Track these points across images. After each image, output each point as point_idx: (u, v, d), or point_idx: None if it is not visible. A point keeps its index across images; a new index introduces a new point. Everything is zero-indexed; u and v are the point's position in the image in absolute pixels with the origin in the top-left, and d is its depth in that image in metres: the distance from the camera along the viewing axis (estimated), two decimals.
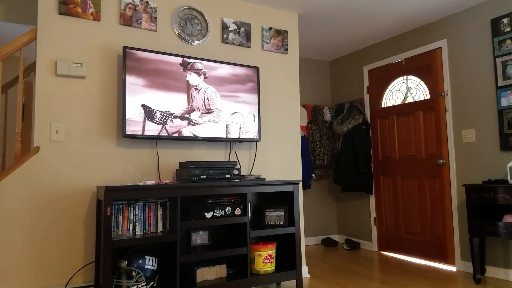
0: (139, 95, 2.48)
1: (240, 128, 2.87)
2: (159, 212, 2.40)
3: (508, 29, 3.05)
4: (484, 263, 3.15)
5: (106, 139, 2.47)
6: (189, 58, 2.69)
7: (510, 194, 2.69)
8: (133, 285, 2.12)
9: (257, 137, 2.92)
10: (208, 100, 2.76)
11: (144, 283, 2.15)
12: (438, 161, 3.59)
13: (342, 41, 4.23)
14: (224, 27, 2.99)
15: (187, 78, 2.71)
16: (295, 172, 3.27)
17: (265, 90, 3.17)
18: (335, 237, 4.79)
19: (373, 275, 3.24)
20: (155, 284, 2.23)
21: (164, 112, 2.58)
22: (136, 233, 2.31)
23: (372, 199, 4.31)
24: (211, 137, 2.73)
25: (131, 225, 2.30)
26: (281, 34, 3.29)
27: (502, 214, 2.96)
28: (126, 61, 2.44)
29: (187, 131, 2.65)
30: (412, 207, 3.87)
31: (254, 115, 2.93)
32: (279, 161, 3.19)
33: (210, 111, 2.77)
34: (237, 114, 2.86)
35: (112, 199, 2.10)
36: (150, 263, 2.19)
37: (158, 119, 2.54)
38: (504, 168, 3.06)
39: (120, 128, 2.52)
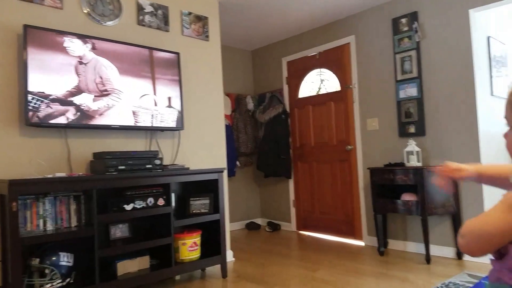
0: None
1: (152, 115, 2.63)
2: (73, 206, 2.23)
3: (406, 28, 3.44)
4: (387, 237, 3.57)
5: (6, 127, 2.20)
6: (91, 39, 2.50)
7: (407, 175, 3.08)
8: (47, 283, 1.94)
9: (180, 126, 2.87)
10: (102, 78, 2.24)
11: (60, 280, 1.99)
12: (347, 147, 3.93)
13: (262, 31, 4.33)
14: (140, 8, 2.85)
15: (65, 45, 2.16)
16: (220, 160, 3.30)
17: (187, 77, 3.11)
18: (258, 221, 4.97)
19: (292, 253, 3.46)
20: (71, 281, 2.09)
21: (36, 94, 2.09)
22: (47, 229, 2.12)
23: (291, 183, 4.56)
24: (129, 126, 2.58)
25: (41, 220, 2.10)
26: (201, 20, 3.25)
27: (401, 193, 3.38)
28: (28, 41, 2.18)
29: (74, 118, 2.28)
30: (326, 189, 4.20)
31: (174, 102, 2.85)
32: (204, 150, 3.18)
33: (106, 93, 2.27)
34: (147, 97, 2.51)
35: (17, 193, 1.89)
36: (65, 259, 2.03)
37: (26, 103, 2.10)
38: (402, 152, 3.48)
39: (22, 115, 2.26)
